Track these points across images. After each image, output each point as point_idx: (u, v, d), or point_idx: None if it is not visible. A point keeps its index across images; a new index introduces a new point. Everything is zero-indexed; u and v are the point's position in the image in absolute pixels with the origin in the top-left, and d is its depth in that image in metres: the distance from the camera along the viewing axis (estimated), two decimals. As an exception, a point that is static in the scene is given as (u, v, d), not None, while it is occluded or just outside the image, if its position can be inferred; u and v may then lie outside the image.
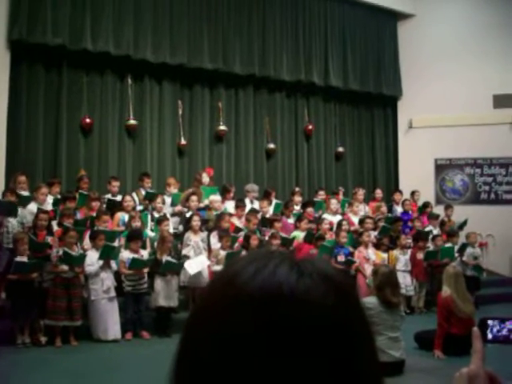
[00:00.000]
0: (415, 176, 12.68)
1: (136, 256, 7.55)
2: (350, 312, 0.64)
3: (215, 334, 0.62)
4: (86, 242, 7.71)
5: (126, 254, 7.59)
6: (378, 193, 11.55)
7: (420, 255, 9.65)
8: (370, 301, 5.41)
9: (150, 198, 8.92)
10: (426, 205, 11.51)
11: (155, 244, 8.07)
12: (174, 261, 7.79)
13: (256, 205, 9.87)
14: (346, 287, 0.66)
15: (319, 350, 0.60)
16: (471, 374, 0.77)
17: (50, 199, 8.17)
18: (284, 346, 0.60)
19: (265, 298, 0.61)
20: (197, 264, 7.98)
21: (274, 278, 0.63)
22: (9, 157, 9.03)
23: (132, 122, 10.29)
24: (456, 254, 9.95)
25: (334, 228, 9.53)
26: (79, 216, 8.13)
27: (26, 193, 8.00)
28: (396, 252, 9.49)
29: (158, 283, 7.68)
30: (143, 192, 9.09)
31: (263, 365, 0.59)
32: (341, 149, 12.87)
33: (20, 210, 7.64)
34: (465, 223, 11.16)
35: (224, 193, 9.75)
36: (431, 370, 5.97)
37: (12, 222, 7.54)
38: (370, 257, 9.21)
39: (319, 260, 0.68)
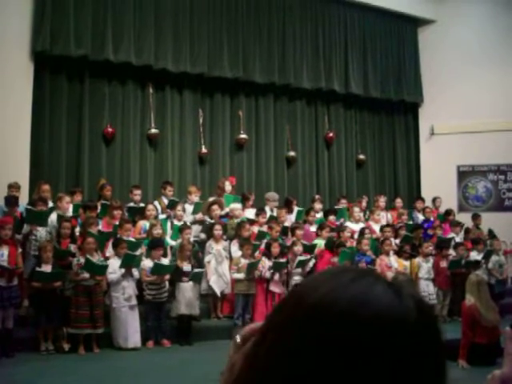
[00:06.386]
0: (437, 183, 12.54)
1: (158, 261, 7.60)
2: (435, 333, 0.64)
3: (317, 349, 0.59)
4: (109, 250, 7.77)
5: (147, 263, 7.64)
6: (398, 202, 11.40)
7: (443, 263, 9.53)
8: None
9: (172, 205, 8.97)
10: (449, 212, 11.37)
11: (176, 252, 8.12)
12: (197, 270, 7.86)
13: (276, 213, 9.84)
14: (430, 309, 0.66)
15: (417, 373, 0.60)
16: (504, 376, 0.76)
17: (71, 208, 8.25)
18: (383, 366, 0.59)
19: (362, 316, 0.60)
20: (219, 284, 8.25)
21: (371, 297, 0.62)
22: (32, 166, 9.18)
23: (153, 130, 10.39)
24: (481, 261, 9.83)
25: (356, 236, 9.48)
26: (101, 225, 8.19)
27: (49, 204, 8.09)
28: (418, 260, 9.37)
29: (179, 291, 7.71)
30: (165, 200, 9.14)
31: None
32: (362, 156, 12.80)
33: (49, 220, 7.73)
34: (491, 232, 11.01)
35: (243, 201, 9.76)
36: (455, 380, 5.86)
37: (40, 232, 7.64)
38: (392, 265, 9.12)
39: (405, 281, 0.68)
